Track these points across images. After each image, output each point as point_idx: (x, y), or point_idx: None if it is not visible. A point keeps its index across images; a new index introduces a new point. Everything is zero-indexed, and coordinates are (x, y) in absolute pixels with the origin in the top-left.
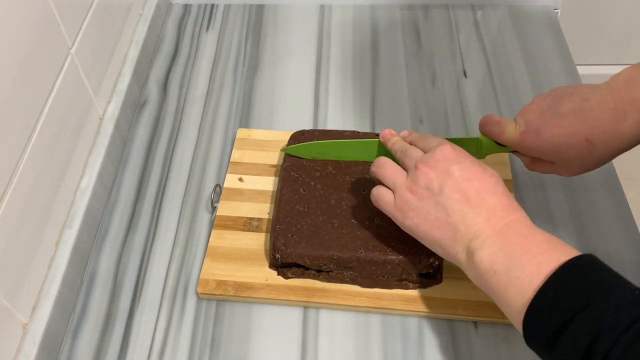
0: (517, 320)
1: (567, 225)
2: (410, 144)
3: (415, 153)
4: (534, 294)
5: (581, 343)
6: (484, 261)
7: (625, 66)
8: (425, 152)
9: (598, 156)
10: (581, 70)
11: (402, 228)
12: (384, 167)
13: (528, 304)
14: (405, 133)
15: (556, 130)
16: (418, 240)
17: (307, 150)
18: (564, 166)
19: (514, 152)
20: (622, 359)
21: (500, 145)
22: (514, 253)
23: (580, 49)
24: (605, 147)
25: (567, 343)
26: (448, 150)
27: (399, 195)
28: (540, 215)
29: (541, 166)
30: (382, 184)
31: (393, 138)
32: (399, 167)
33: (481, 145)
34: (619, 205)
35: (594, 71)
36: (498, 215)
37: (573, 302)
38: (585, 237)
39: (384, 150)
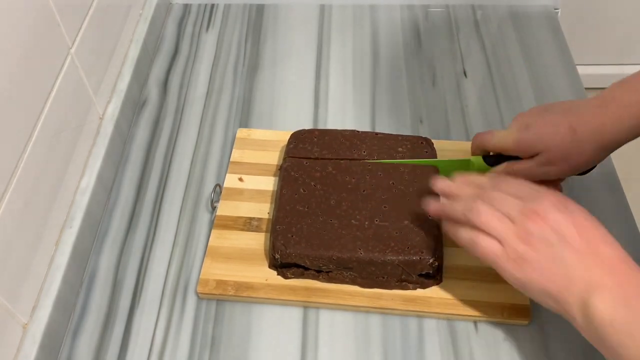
0: None
1: None
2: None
3: (510, 201)
4: None
5: None
6: (603, 313)
7: (625, 66)
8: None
9: (583, 149)
10: (581, 70)
11: (510, 280)
12: (486, 214)
13: None
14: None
15: (543, 122)
16: (524, 292)
17: None
18: (550, 158)
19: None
20: None
21: (490, 166)
22: (637, 306)
23: (580, 49)
24: (589, 138)
25: None
26: (554, 198)
27: (510, 246)
28: None
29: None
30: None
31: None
32: (501, 213)
33: (473, 167)
34: (619, 205)
35: (594, 71)
36: (617, 267)
37: None
38: None
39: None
